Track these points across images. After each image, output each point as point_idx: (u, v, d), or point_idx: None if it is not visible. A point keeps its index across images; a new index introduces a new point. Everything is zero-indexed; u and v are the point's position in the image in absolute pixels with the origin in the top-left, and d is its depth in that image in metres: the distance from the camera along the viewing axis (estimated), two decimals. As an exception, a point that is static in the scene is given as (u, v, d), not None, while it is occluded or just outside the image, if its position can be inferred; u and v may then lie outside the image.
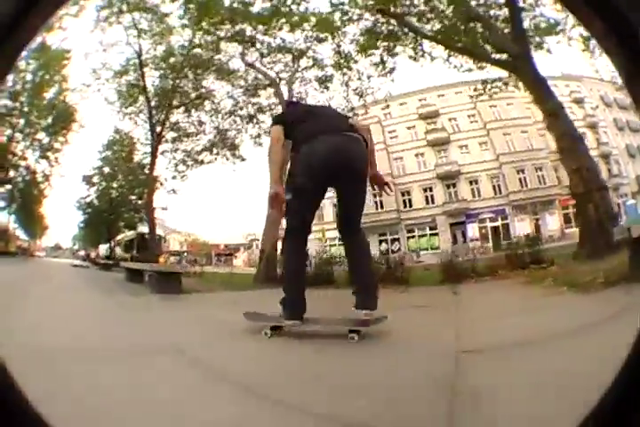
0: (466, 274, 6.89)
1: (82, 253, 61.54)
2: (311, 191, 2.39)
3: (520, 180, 24.56)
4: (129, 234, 24.89)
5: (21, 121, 18.87)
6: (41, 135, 19.87)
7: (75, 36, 28.24)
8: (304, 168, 2.34)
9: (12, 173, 20.43)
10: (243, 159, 16.91)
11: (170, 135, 18.35)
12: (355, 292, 2.40)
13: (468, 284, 6.31)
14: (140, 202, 21.61)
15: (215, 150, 17.08)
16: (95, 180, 23.58)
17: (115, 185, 23.05)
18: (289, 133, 2.51)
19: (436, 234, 23.20)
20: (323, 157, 2.29)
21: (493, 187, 24.60)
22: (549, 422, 0.88)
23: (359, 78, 15.38)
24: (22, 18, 0.42)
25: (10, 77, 17.10)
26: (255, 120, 16.48)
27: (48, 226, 47.34)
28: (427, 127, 25.49)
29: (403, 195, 23.70)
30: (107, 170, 22.88)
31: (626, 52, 0.44)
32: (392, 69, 14.15)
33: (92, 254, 42.83)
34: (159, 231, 26.58)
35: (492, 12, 11.53)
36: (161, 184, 17.45)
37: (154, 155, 17.06)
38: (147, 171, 19.29)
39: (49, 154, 20.55)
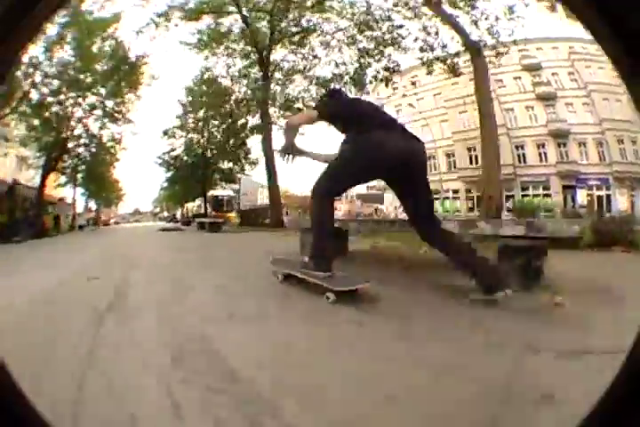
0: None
1: (165, 214, 58.11)
2: (362, 177, 2.51)
3: (620, 150, 22.40)
4: (208, 195, 23.11)
5: (71, 94, 17.51)
6: (105, 101, 18.67)
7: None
8: (367, 154, 2.33)
9: (70, 145, 19.08)
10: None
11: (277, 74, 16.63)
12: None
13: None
14: (239, 151, 19.02)
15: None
16: (179, 131, 21.21)
17: (204, 134, 20.46)
18: (336, 119, 2.58)
19: (549, 195, 21.08)
20: (390, 151, 2.30)
21: (598, 153, 22.52)
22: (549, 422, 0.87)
23: (486, 19, 13.64)
24: (22, 17, 0.43)
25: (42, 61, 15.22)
26: (378, 54, 14.40)
27: (124, 191, 44.97)
28: (532, 80, 23.69)
29: (517, 148, 21.67)
30: (192, 119, 20.45)
31: (626, 52, 0.43)
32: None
33: (177, 215, 41.00)
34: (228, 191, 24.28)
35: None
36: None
37: (266, 93, 14.71)
38: (246, 115, 17.23)
39: (116, 115, 19.07)
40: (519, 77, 23.69)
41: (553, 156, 21.79)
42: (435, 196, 23.20)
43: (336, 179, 2.46)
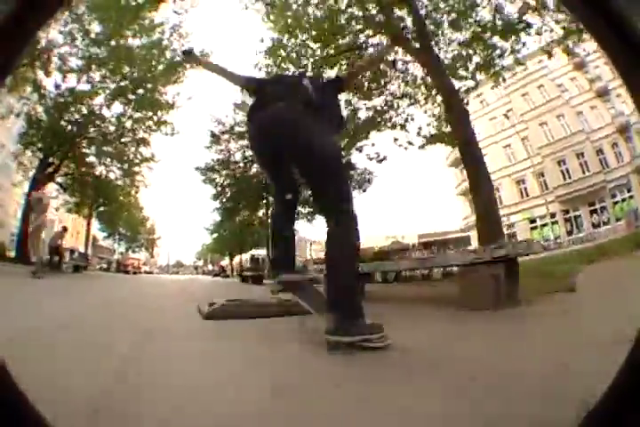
0: None
1: (209, 267, 44.99)
2: (268, 170, 2.01)
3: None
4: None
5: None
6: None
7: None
8: (250, 148, 2.10)
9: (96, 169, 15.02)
10: None
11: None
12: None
13: None
14: None
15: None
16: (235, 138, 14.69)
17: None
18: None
19: (632, 197, 19.50)
20: (254, 139, 1.94)
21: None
22: (549, 423, 0.78)
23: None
24: (23, 18, 0.43)
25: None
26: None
27: (157, 234, 35.94)
28: (586, 77, 22.27)
29: (597, 153, 20.96)
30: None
31: (625, 51, 0.43)
32: None
33: (227, 267, 32.02)
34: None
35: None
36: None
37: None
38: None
39: (150, 123, 14.12)
40: (574, 78, 22.61)
41: (626, 153, 20.37)
42: (532, 225, 23.53)
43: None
